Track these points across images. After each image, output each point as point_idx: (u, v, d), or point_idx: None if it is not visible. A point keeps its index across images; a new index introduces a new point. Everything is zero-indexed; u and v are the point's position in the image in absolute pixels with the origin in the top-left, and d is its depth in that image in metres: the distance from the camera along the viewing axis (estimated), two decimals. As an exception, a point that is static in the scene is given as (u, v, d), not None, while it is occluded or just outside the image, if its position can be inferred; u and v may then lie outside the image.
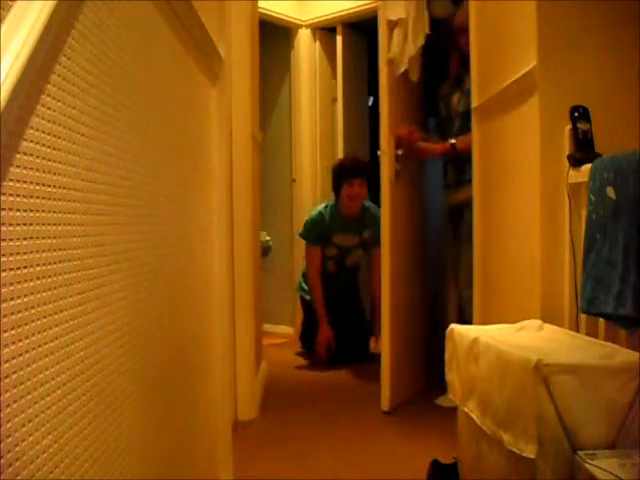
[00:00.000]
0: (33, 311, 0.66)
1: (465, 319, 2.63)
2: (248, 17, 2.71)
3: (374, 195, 3.30)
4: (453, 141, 2.77)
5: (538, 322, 1.61)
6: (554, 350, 1.33)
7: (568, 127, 1.64)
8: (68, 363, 0.75)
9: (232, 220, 2.56)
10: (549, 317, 1.65)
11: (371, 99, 4.83)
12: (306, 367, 3.69)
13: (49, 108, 0.70)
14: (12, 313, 0.62)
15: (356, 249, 3.81)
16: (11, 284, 0.62)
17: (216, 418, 1.84)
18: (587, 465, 1.10)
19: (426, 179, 3.24)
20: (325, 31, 4.51)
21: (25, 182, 0.65)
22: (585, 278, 1.48)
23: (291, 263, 4.55)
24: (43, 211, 0.69)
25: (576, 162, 1.61)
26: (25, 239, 0.65)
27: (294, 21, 4.43)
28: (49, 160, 0.71)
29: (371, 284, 3.78)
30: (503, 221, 2.12)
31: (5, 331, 0.60)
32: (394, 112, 2.83)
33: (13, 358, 0.62)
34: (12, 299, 0.62)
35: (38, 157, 0.68)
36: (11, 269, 0.62)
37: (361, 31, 4.46)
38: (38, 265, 0.68)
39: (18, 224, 0.63)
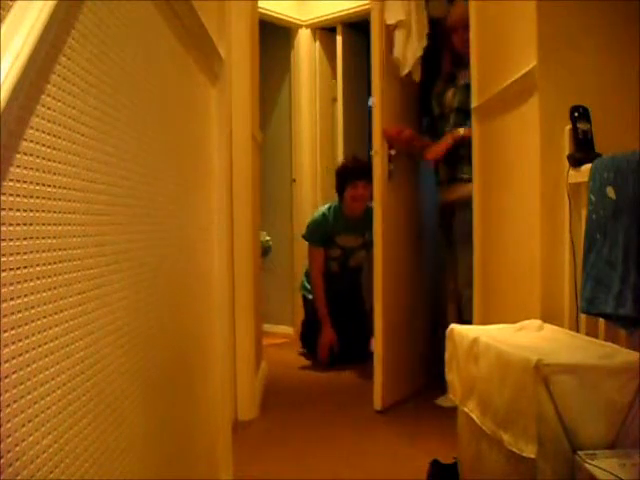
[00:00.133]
0: (33, 311, 0.66)
1: (464, 319, 2.62)
2: (248, 17, 2.71)
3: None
4: (462, 131, 2.70)
5: (538, 322, 1.61)
6: (554, 350, 1.33)
7: (568, 127, 1.64)
8: (68, 363, 0.75)
9: (232, 220, 2.56)
10: (549, 317, 1.65)
11: (371, 99, 4.82)
12: (306, 367, 3.69)
13: (49, 108, 0.70)
14: (12, 313, 0.62)
15: (359, 250, 3.82)
16: (11, 284, 0.62)
17: (216, 418, 1.84)
18: (587, 465, 1.10)
19: (422, 178, 3.23)
20: (325, 31, 4.52)
21: (25, 182, 0.65)
22: (585, 278, 1.48)
23: (291, 263, 4.55)
24: (43, 211, 0.69)
25: (576, 162, 1.61)
26: (25, 239, 0.65)
27: (294, 21, 4.43)
28: (49, 160, 0.71)
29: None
30: (503, 221, 2.12)
31: (5, 331, 0.60)
32: (388, 112, 2.83)
33: (13, 358, 0.62)
34: (12, 299, 0.62)
35: (38, 157, 0.68)
36: (11, 269, 0.62)
37: (361, 31, 4.45)
38: (38, 265, 0.68)
39: (18, 224, 0.63)
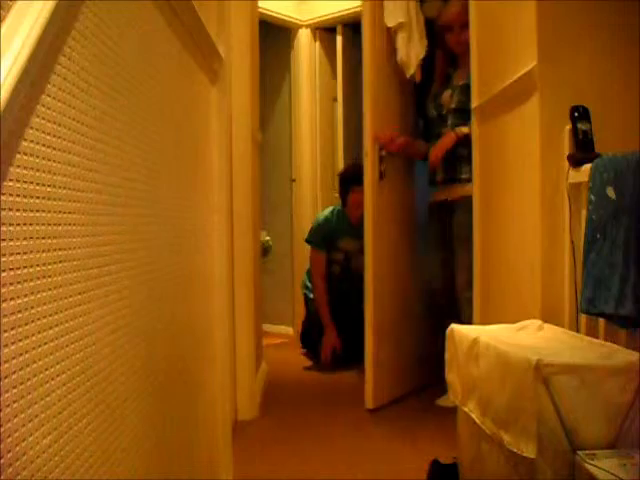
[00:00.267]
0: (33, 311, 0.66)
1: (463, 320, 2.62)
2: (248, 17, 2.72)
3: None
4: (465, 129, 2.61)
5: (538, 322, 1.61)
6: (554, 350, 1.33)
7: (568, 127, 1.64)
8: (68, 363, 0.75)
9: (232, 220, 2.56)
10: (549, 317, 1.65)
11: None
12: (306, 367, 3.69)
13: (49, 108, 0.70)
14: (12, 313, 0.62)
15: (362, 254, 3.82)
16: (11, 284, 0.62)
17: (216, 418, 1.84)
18: (587, 465, 1.10)
19: (417, 177, 3.21)
20: (325, 31, 4.51)
21: (25, 182, 0.65)
22: (585, 278, 1.48)
23: (291, 263, 4.55)
24: (43, 211, 0.69)
25: (576, 162, 1.60)
26: (25, 239, 0.65)
27: (294, 21, 4.43)
28: (49, 160, 0.71)
29: None
30: (503, 221, 2.12)
31: (5, 331, 0.60)
32: (381, 114, 2.83)
33: (13, 358, 0.62)
34: (12, 299, 0.62)
35: (38, 157, 0.68)
36: (11, 269, 0.62)
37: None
38: (38, 265, 0.68)
39: (18, 224, 0.63)
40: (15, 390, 0.62)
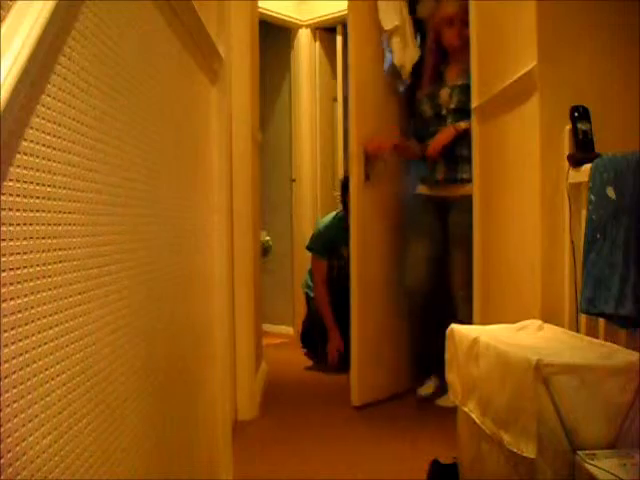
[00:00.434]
0: (33, 311, 0.66)
1: (460, 319, 2.62)
2: (248, 17, 2.72)
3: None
4: (464, 124, 2.63)
5: (538, 322, 1.61)
6: (554, 350, 1.33)
7: (568, 127, 1.64)
8: (68, 363, 0.75)
9: (232, 220, 2.56)
10: (549, 317, 1.65)
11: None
12: (306, 367, 3.69)
13: (49, 108, 0.70)
14: (12, 313, 0.62)
15: None
16: (11, 284, 0.62)
17: (216, 418, 1.84)
18: (587, 465, 1.10)
19: (411, 176, 3.20)
20: (325, 31, 4.51)
21: (25, 182, 0.65)
22: (585, 278, 1.48)
23: (291, 263, 4.55)
24: (43, 211, 0.69)
25: (576, 162, 1.60)
26: (25, 239, 0.65)
27: (294, 21, 4.43)
28: (49, 160, 0.71)
29: None
30: (503, 221, 2.12)
31: (5, 331, 0.60)
32: (365, 114, 2.84)
33: (13, 358, 0.62)
34: (12, 299, 0.62)
35: (38, 157, 0.68)
36: (11, 269, 0.62)
37: (361, 31, 4.45)
38: (38, 265, 0.68)
39: (18, 224, 0.63)
40: (15, 390, 0.62)
